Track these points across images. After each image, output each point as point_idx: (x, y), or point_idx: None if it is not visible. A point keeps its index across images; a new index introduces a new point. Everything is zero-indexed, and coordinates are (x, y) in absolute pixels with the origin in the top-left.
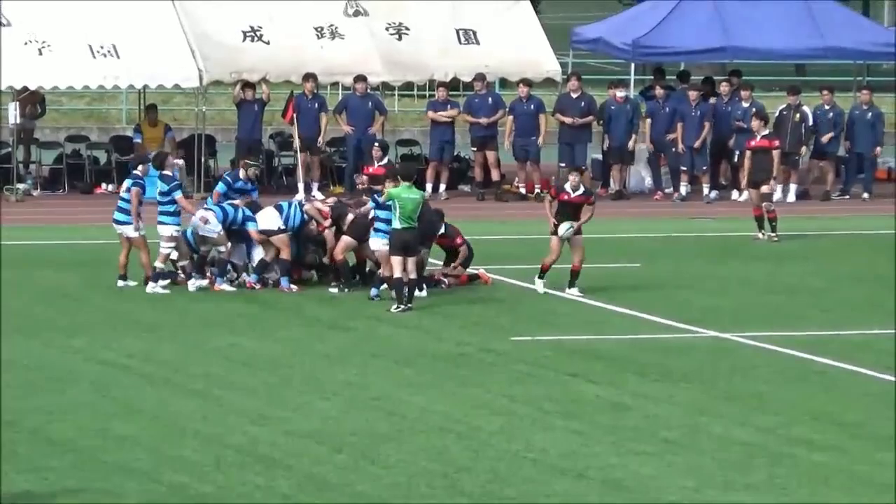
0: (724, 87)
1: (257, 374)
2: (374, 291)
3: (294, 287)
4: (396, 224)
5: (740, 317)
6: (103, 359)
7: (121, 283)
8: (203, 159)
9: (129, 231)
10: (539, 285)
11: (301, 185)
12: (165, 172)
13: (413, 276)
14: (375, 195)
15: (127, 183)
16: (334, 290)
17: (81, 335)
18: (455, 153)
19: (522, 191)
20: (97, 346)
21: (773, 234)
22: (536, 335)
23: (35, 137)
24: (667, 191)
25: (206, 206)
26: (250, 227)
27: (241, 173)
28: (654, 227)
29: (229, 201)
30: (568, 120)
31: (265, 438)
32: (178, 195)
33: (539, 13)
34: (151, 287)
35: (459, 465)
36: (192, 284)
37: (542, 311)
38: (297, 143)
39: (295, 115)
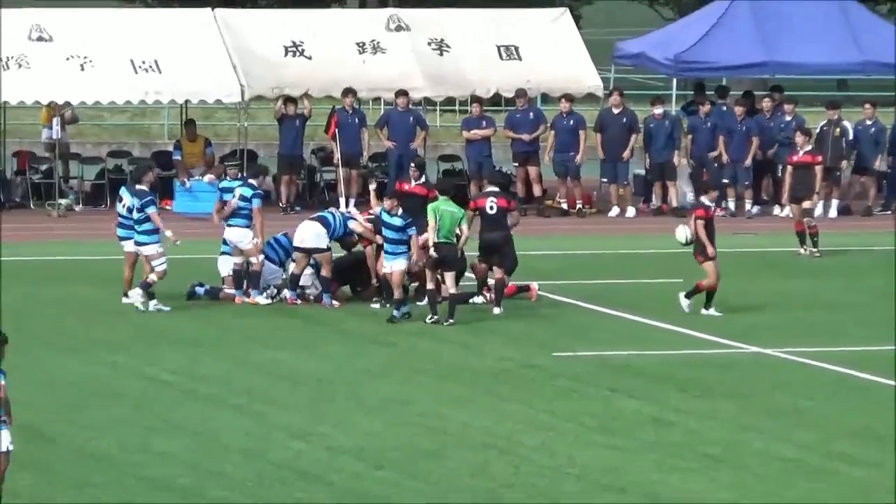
0: (766, 103)
1: (299, 389)
2: (395, 313)
3: (336, 303)
4: (434, 238)
5: (781, 332)
6: (145, 374)
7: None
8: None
9: (129, 245)
10: (686, 304)
11: (342, 200)
12: (141, 187)
13: (453, 290)
14: (381, 215)
15: (130, 200)
16: (376, 306)
17: (123, 351)
18: (496, 168)
19: (564, 206)
20: (139, 362)
21: (815, 250)
22: (578, 350)
23: (75, 152)
24: None
25: (226, 223)
26: (255, 205)
27: (228, 176)
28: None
29: (237, 202)
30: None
31: (307, 454)
32: (150, 210)
33: (581, 28)
34: (154, 306)
35: (501, 481)
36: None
37: (583, 327)
38: (337, 157)
39: (337, 131)
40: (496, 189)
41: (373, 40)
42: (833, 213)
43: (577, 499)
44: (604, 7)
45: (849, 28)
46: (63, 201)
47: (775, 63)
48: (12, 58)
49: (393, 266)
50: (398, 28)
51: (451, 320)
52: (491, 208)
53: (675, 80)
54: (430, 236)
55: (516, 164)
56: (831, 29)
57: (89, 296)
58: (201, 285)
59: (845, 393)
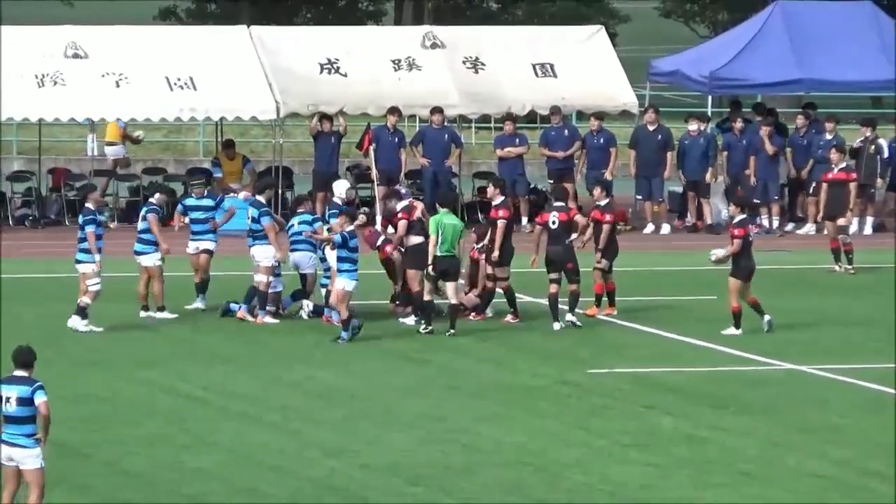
0: (799, 120)
1: (333, 406)
2: (344, 335)
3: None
4: (437, 251)
5: (816, 349)
6: (179, 391)
7: (143, 313)
8: (280, 191)
9: (146, 260)
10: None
11: (379, 218)
12: (87, 205)
13: (454, 300)
14: (342, 234)
15: (143, 211)
16: (410, 321)
17: (157, 367)
18: (531, 185)
19: None
20: (173, 379)
21: (850, 267)
22: (613, 367)
23: (110, 169)
24: None
25: (251, 243)
26: (265, 223)
27: (194, 194)
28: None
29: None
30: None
31: (341, 471)
32: (89, 229)
33: (616, 46)
34: (83, 325)
35: (535, 498)
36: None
37: (618, 343)
38: (374, 174)
39: (373, 148)
40: (561, 204)
41: (408, 57)
42: (868, 230)
43: None
44: (639, 25)
45: (883, 45)
46: (99, 218)
47: (810, 80)
48: (48, 75)
49: (336, 284)
50: (434, 46)
51: (452, 331)
52: (553, 223)
53: (710, 98)
54: (432, 250)
55: (551, 182)
56: (865, 46)
57: (122, 312)
58: (236, 302)
59: (880, 410)
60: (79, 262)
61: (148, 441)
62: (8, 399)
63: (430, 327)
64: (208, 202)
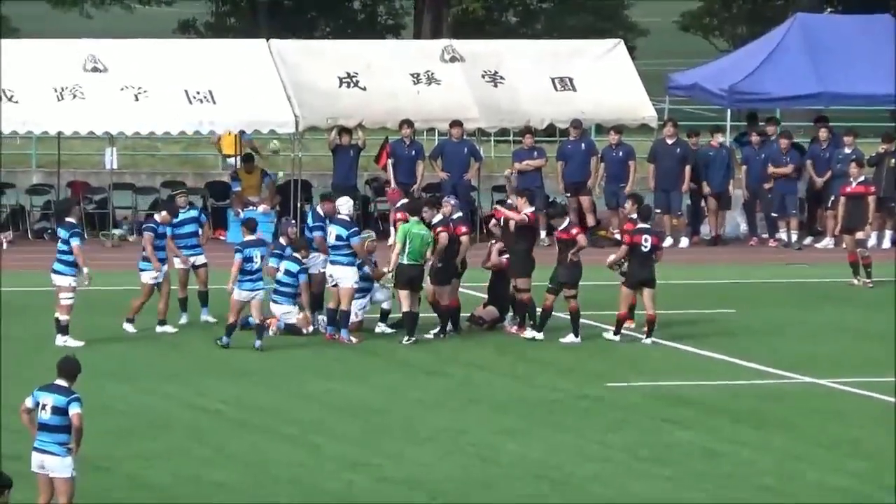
0: (822, 133)
1: (352, 419)
2: (224, 339)
3: (353, 339)
4: (403, 259)
5: (835, 363)
6: (198, 405)
7: (158, 328)
8: (299, 205)
9: (143, 277)
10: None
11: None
12: (69, 219)
13: (407, 308)
14: (237, 247)
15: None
16: (429, 336)
17: (176, 381)
18: (550, 199)
19: (618, 236)
20: (191, 392)
21: (868, 280)
22: (631, 381)
23: (129, 182)
24: (763, 236)
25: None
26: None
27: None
28: (749, 273)
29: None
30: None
31: (360, 485)
32: (75, 242)
33: (635, 59)
34: (62, 340)
35: None
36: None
37: (636, 357)
38: (394, 188)
39: (391, 162)
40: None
41: (427, 71)
42: (887, 243)
43: None
44: (658, 38)
45: None
46: (116, 231)
47: (829, 94)
48: (67, 88)
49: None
50: (453, 59)
51: (409, 338)
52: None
53: (729, 112)
54: (394, 259)
55: (568, 195)
56: (884, 60)
57: (139, 325)
58: None
59: None
60: (56, 272)
61: (167, 454)
62: (44, 406)
63: (412, 338)
64: (192, 213)
